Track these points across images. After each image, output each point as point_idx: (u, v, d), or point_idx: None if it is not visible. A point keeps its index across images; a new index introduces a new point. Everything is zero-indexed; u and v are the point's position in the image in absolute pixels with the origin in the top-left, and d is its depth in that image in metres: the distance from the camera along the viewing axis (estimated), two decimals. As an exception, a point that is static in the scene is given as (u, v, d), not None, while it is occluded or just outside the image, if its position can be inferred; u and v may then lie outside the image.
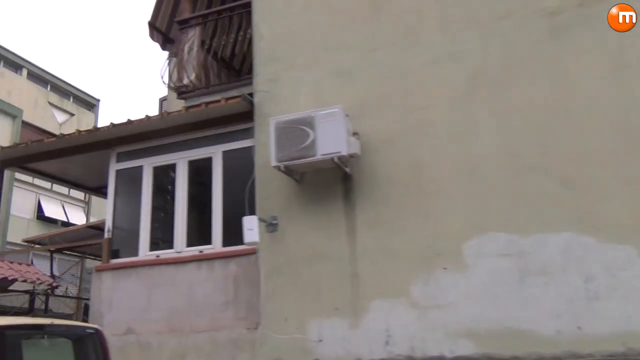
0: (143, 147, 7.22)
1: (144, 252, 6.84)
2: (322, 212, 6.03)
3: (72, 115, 31.57)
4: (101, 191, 9.93)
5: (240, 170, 6.66)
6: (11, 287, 11.63)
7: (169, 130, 7.00)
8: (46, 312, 11.66)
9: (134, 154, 7.28)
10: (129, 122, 6.97)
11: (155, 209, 7.01)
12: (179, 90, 7.34)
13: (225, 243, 6.47)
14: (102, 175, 8.96)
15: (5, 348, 4.21)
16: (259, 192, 6.36)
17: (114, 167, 7.37)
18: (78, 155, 7.70)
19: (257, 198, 6.35)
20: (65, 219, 29.63)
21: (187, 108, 6.89)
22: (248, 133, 6.74)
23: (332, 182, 6.05)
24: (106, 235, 7.08)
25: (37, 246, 13.34)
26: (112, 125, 7.04)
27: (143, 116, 6.91)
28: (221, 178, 6.68)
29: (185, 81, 7.20)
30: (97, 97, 33.65)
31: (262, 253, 6.12)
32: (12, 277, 10.77)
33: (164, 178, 7.16)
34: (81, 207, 31.66)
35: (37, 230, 28.38)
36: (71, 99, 32.08)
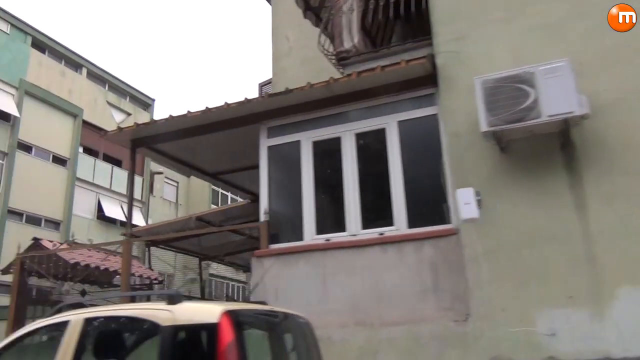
0: (299, 120, 6.49)
1: (311, 235, 6.09)
2: (537, 186, 5.17)
3: (129, 114, 31.45)
4: (218, 177, 9.31)
5: (420, 142, 5.88)
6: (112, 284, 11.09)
7: (332, 100, 6.25)
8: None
9: (288, 128, 6.55)
10: (288, 91, 6.24)
11: (318, 187, 6.24)
12: (339, 56, 6.58)
13: (411, 224, 5.65)
14: (230, 158, 8.33)
15: (243, 337, 3.50)
16: (452, 164, 5.55)
17: (265, 143, 6.65)
18: (215, 134, 7.02)
19: (450, 171, 5.54)
20: (124, 219, 29.48)
21: (347, 76, 6.13)
22: (427, 100, 5.94)
23: (547, 150, 5.19)
24: (263, 217, 6.35)
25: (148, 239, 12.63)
26: (268, 95, 6.34)
27: (304, 84, 6.18)
28: (399, 151, 5.88)
29: (347, 45, 6.42)
30: (151, 96, 33.44)
31: (465, 234, 5.28)
32: (113, 269, 10.15)
33: (326, 153, 6.40)
34: (139, 207, 31.48)
35: (97, 231, 28.29)
36: (128, 99, 32.02)
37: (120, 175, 30.46)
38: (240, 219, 10.03)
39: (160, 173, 29.76)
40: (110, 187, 29.61)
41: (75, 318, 3.89)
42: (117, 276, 10.66)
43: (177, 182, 36.52)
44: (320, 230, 6.08)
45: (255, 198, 10.49)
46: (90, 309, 3.93)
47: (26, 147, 25.00)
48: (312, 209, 6.14)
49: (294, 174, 6.36)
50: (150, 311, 3.69)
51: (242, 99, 6.46)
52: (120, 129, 7.17)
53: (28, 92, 25.01)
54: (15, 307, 7.39)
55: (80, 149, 27.81)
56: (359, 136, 6.17)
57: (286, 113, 6.48)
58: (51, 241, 10.59)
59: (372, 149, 6.12)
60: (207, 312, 3.58)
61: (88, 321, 3.85)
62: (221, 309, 3.53)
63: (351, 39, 6.39)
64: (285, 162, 6.57)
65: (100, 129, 29.15)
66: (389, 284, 5.48)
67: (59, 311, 4.06)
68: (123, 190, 30.37)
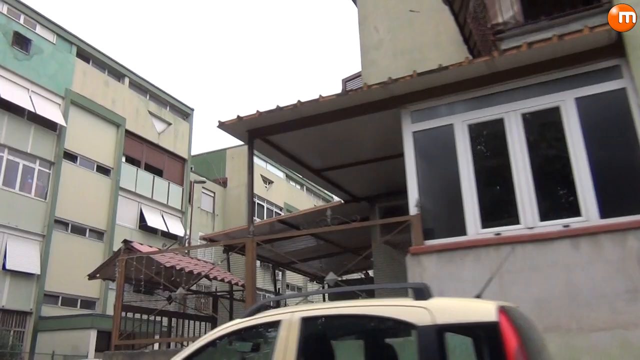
0: (451, 102, 5.81)
1: (475, 229, 5.37)
2: None
3: (170, 124, 31.22)
4: (321, 174, 8.66)
5: (606, 121, 5.14)
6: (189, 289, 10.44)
7: (491, 78, 5.56)
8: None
9: (437, 111, 5.88)
10: (442, 68, 5.57)
11: (479, 175, 5.53)
12: (495, 29, 5.90)
13: (605, 213, 4.90)
14: (341, 151, 7.71)
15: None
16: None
17: (409, 128, 5.98)
18: (335, 124, 6.39)
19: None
20: (165, 229, 29.03)
21: (513, 48, 5.43)
22: (609, 73, 5.22)
23: None
24: (414, 210, 5.66)
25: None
26: (417, 74, 5.66)
27: (462, 59, 5.51)
28: (579, 132, 5.15)
29: (506, 16, 5.74)
30: (191, 106, 33.17)
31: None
32: (198, 272, 9.50)
33: (485, 137, 5.70)
34: (178, 217, 31.08)
35: (140, 241, 27.85)
36: (168, 108, 31.78)
37: (161, 185, 30.14)
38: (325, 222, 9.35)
39: (204, 182, 29.34)
40: (152, 196, 29.25)
41: (288, 318, 3.23)
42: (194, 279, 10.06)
43: (214, 193, 36.13)
44: (486, 223, 5.36)
45: (352, 198, 9.85)
46: (302, 307, 3.27)
47: (71, 157, 24.78)
48: (474, 200, 5.43)
49: (447, 161, 5.67)
50: (398, 308, 3.01)
51: (386, 79, 5.79)
52: (239, 117, 6.57)
53: (74, 101, 24.85)
54: (118, 313, 6.77)
55: (123, 159, 27.53)
56: (527, 117, 5.46)
57: (435, 94, 5.81)
58: (141, 244, 10.03)
59: (543, 131, 5.41)
60: (476, 308, 2.89)
61: (306, 321, 3.19)
62: (494, 305, 2.83)
63: (510, 7, 5.71)
64: (435, 148, 5.89)
65: (142, 139, 29.01)
66: (585, 283, 4.73)
67: (258, 310, 3.40)
68: (164, 199, 30.01)
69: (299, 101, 6.22)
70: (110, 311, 23.78)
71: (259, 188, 39.13)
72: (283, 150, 7.47)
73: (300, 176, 44.09)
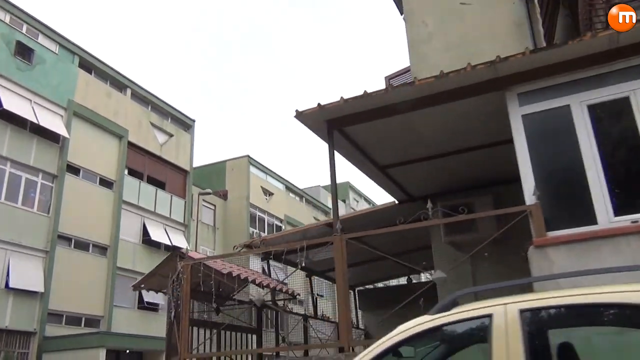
0: (565, 81, 5.35)
1: (607, 218, 4.87)
2: None
3: (171, 135, 30.55)
4: (385, 171, 8.12)
5: None
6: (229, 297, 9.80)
7: (614, 54, 5.12)
8: (277, 330, 9.77)
9: (546, 93, 5.42)
10: (559, 44, 5.12)
11: (605, 159, 5.05)
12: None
13: None
14: (423, 145, 7.22)
15: None
16: None
17: (517, 112, 5.50)
18: (412, 116, 5.92)
19: None
20: (168, 243, 28.18)
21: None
22: None
23: None
24: (531, 200, 5.15)
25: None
26: (530, 51, 5.21)
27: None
28: None
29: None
30: (192, 117, 32.56)
31: None
32: (245, 276, 8.86)
33: (610, 117, 5.24)
34: (181, 230, 30.27)
35: (143, 256, 27.01)
36: (169, 119, 31.13)
37: (164, 198, 29.36)
38: (374, 225, 8.81)
39: (209, 193, 28.63)
40: (155, 210, 28.45)
41: (501, 310, 2.69)
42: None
43: (214, 206, 35.36)
44: (619, 210, 4.87)
45: (408, 198, 9.34)
46: (515, 299, 2.72)
47: (74, 170, 23.98)
48: (603, 186, 4.95)
49: (566, 145, 5.20)
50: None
51: (494, 57, 5.33)
52: (320, 105, 6.04)
53: (76, 113, 24.13)
54: (186, 326, 6.12)
55: (125, 171, 26.76)
56: (657, 94, 5.01)
57: (546, 74, 5.35)
58: (190, 249, 9.39)
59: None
60: None
61: (527, 313, 2.66)
62: None
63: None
64: (550, 132, 5.41)
65: (144, 151, 28.26)
66: None
67: (452, 305, 2.86)
68: (166, 213, 29.21)
69: (390, 84, 5.75)
70: (115, 329, 22.96)
71: (259, 200, 38.46)
72: (355, 143, 6.95)
73: (300, 188, 43.63)
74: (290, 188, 43.47)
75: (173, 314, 6.83)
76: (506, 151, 7.40)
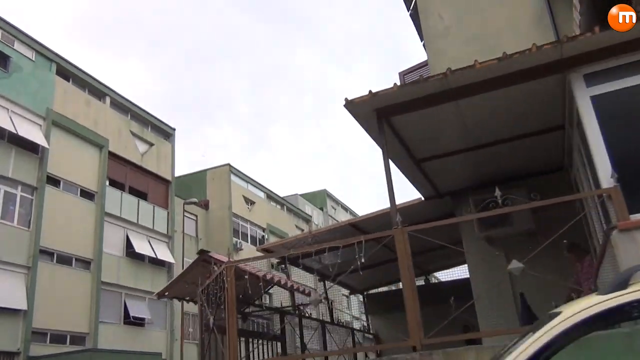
0: (631, 61, 5.22)
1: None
2: None
3: (152, 145, 29.76)
4: (420, 165, 7.88)
5: None
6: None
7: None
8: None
9: (616, 72, 5.29)
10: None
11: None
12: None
13: None
14: (464, 135, 7.01)
15: None
16: None
17: (584, 93, 5.35)
18: (460, 104, 5.71)
19: None
20: (153, 255, 27.34)
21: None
22: None
23: None
24: (608, 183, 4.98)
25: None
26: (599, 30, 5.05)
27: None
28: None
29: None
30: (172, 126, 31.84)
31: None
32: (277, 279, 8.48)
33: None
34: (165, 242, 29.45)
35: (128, 269, 26.08)
36: (149, 128, 30.33)
37: (146, 209, 28.50)
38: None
39: (195, 202, 27.88)
40: (138, 221, 27.54)
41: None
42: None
43: (196, 216, 34.55)
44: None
45: (435, 194, 9.11)
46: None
47: (55, 181, 23.00)
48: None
49: (633, 126, 5.05)
50: None
51: (561, 37, 5.17)
52: (372, 93, 5.76)
53: (55, 122, 23.20)
54: (234, 335, 5.70)
55: (107, 182, 25.86)
56: None
57: (616, 52, 5.21)
58: (218, 253, 8.92)
59: None
60: None
61: None
62: None
63: None
64: (625, 112, 5.26)
65: (125, 161, 27.39)
66: None
67: (626, 282, 2.58)
68: (149, 224, 28.35)
69: (449, 69, 5.50)
70: (102, 345, 21.99)
71: (241, 209, 37.80)
72: (397, 134, 6.70)
73: (280, 196, 42.91)
74: (271, 196, 42.96)
75: (211, 322, 6.38)
76: (550, 139, 7.31)
